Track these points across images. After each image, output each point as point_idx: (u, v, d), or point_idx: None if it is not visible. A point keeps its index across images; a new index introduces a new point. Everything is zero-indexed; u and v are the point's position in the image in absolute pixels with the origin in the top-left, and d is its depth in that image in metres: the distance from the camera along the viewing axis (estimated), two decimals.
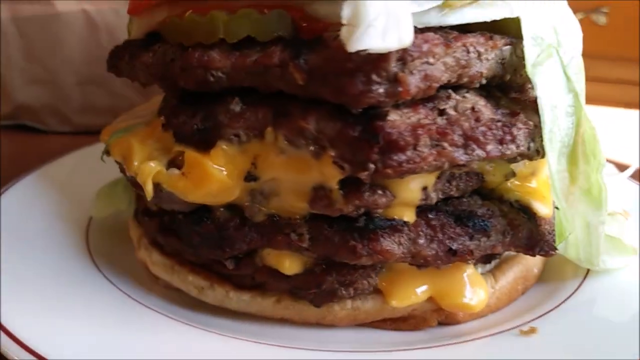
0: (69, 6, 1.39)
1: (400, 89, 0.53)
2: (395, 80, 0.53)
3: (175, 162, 0.65)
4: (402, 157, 0.55)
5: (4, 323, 0.59)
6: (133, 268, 0.76)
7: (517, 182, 0.71)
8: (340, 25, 0.57)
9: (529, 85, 0.66)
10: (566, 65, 0.63)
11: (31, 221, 0.84)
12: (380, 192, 0.60)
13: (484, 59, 0.60)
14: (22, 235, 0.79)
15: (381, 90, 0.53)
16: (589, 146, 0.64)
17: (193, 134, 0.62)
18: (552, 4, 0.65)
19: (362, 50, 0.53)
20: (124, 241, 0.81)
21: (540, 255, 0.69)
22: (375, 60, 0.52)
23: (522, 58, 0.63)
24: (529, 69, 0.62)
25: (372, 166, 0.55)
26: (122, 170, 0.76)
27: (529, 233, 0.67)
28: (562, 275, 0.79)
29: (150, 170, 0.63)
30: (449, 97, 0.60)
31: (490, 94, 0.65)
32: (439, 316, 0.70)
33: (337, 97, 0.55)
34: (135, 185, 0.67)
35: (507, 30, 0.63)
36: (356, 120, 0.56)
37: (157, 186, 0.63)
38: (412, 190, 0.61)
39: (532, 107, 0.63)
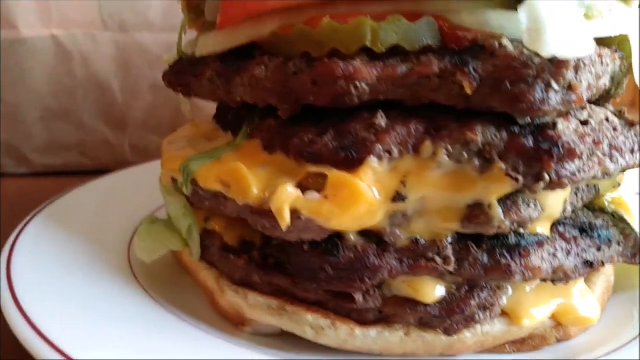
0: (36, 31, 1.23)
1: (574, 97, 0.52)
2: (569, 88, 0.52)
3: (304, 186, 0.57)
4: (573, 167, 0.54)
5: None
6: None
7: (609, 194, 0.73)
8: (488, 34, 0.56)
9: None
10: None
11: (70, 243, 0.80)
12: (532, 206, 0.58)
13: (609, 71, 0.62)
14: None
15: (558, 98, 0.52)
16: None
17: (333, 153, 0.56)
18: None
19: (539, 57, 0.52)
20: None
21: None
22: (556, 68, 0.51)
23: (625, 72, 0.65)
24: (637, 81, 0.64)
25: (547, 177, 0.53)
26: (198, 201, 0.67)
27: (634, 242, 0.69)
28: (631, 283, 0.82)
29: (287, 196, 0.55)
30: (583, 108, 0.60)
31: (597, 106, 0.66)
32: (557, 333, 0.69)
33: (510, 106, 0.53)
34: (258, 213, 0.58)
35: (609, 45, 0.66)
36: (524, 131, 0.54)
37: (293, 213, 0.56)
38: (557, 204, 0.60)
39: None
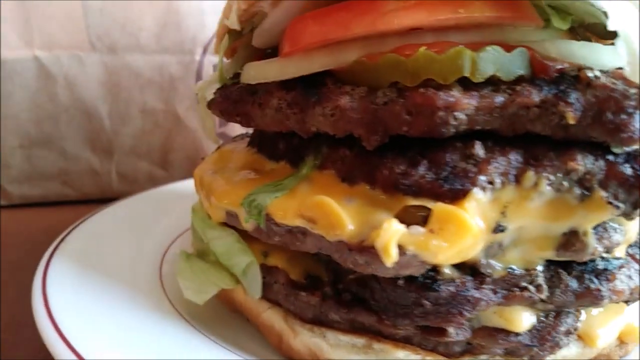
0: (16, 52, 1.14)
1: None
2: None
3: (400, 220, 0.55)
4: None
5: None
6: None
7: None
8: (574, 64, 0.57)
9: None
10: None
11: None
12: (619, 231, 0.59)
13: None
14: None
15: None
16: None
17: (435, 185, 0.54)
18: None
19: (632, 87, 0.53)
20: None
21: None
22: None
23: None
24: None
25: None
26: (265, 236, 0.64)
27: None
28: None
29: (394, 231, 0.53)
30: None
31: None
32: (620, 351, 0.70)
33: (611, 136, 0.53)
34: (357, 250, 0.55)
35: None
36: (619, 159, 0.55)
37: (399, 249, 0.53)
38: (635, 228, 0.62)
39: None
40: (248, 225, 0.66)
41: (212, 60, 1.28)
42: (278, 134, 0.71)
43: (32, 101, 1.17)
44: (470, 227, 0.54)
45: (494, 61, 0.54)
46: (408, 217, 0.56)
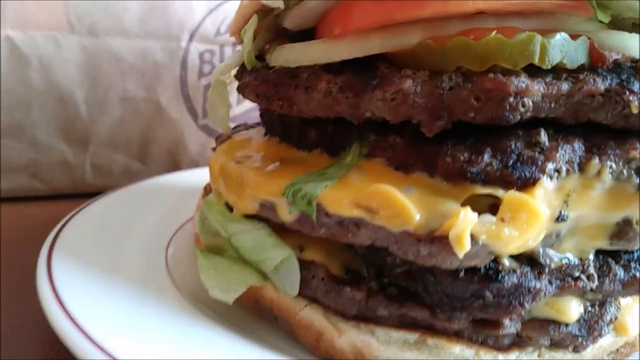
0: None
1: None
2: None
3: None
4: None
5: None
6: None
7: None
8: (627, 56, 0.58)
9: None
10: None
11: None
12: None
13: None
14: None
15: None
16: None
17: (504, 173, 0.53)
18: None
19: None
20: None
21: None
22: None
23: None
24: None
25: None
26: (309, 228, 0.60)
27: None
28: None
29: (468, 221, 0.51)
30: None
31: None
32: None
33: None
34: (427, 241, 0.53)
35: None
36: None
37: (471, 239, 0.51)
38: None
39: None
40: (289, 216, 0.62)
41: (198, 47, 1.22)
42: (306, 121, 0.67)
43: (1, 85, 1.06)
44: (540, 215, 0.53)
45: (561, 48, 0.54)
46: (473, 206, 0.54)
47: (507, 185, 0.53)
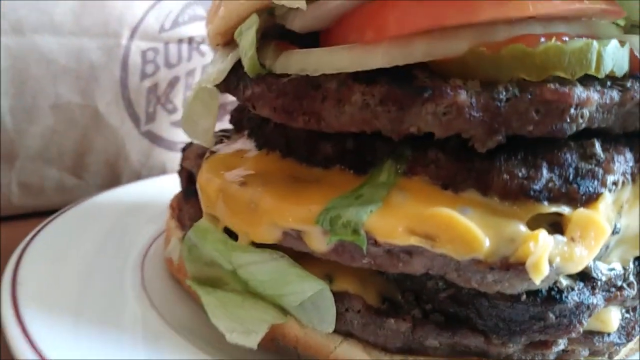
0: None
1: None
2: None
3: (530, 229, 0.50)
4: None
5: None
6: None
7: None
8: None
9: None
10: None
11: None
12: None
13: None
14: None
15: None
16: None
17: (569, 189, 0.50)
18: None
19: None
20: None
21: None
22: None
23: None
24: None
25: None
26: (349, 259, 0.54)
27: None
28: None
29: (545, 245, 0.47)
30: None
31: None
32: None
33: None
34: (500, 268, 0.48)
35: None
36: None
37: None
38: None
39: None
40: (323, 246, 0.54)
41: (140, 45, 1.08)
42: (316, 133, 0.60)
43: None
44: (606, 231, 0.51)
45: (612, 56, 0.52)
46: (533, 225, 0.51)
47: (572, 202, 0.50)
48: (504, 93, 0.50)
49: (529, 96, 0.50)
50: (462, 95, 0.50)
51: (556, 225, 0.51)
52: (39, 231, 0.82)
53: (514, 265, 0.48)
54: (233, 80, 0.66)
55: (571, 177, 0.51)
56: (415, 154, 0.56)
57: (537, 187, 0.50)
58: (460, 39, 0.51)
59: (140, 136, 1.16)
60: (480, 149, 0.52)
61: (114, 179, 1.16)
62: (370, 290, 0.58)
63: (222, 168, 0.68)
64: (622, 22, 0.60)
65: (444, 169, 0.54)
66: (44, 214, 1.09)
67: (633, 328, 0.61)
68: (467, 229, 0.49)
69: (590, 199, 0.51)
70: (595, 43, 0.50)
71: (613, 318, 0.59)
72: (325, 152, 0.61)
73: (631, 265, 0.58)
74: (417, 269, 0.53)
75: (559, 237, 0.49)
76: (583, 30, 0.55)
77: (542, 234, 0.48)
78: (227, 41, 0.70)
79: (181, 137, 1.19)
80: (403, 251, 0.52)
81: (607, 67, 0.51)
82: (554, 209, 0.50)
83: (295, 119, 0.55)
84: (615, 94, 0.52)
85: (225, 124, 0.85)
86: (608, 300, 0.57)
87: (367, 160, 0.59)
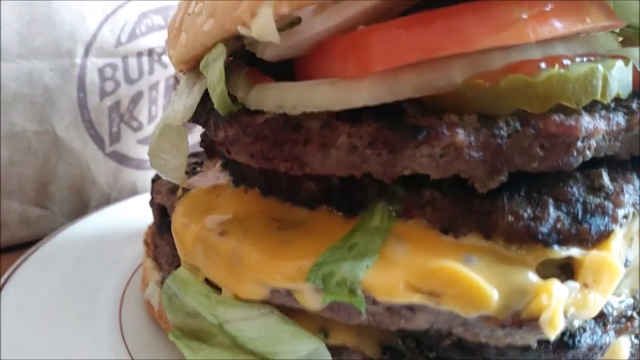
0: None
1: None
2: None
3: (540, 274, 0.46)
4: None
5: None
6: None
7: None
8: None
9: None
10: None
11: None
12: None
13: None
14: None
15: None
16: None
17: (580, 230, 0.46)
18: None
19: None
20: None
21: None
22: None
23: None
24: None
25: None
26: (345, 316, 0.49)
27: None
28: None
29: (560, 297, 0.43)
30: None
31: None
32: None
33: None
34: (511, 325, 0.44)
35: None
36: None
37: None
38: None
39: None
40: (316, 304, 0.50)
41: (97, 62, 1.00)
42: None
43: None
44: (619, 271, 0.47)
45: (618, 79, 0.47)
46: (543, 271, 0.47)
47: (583, 242, 0.46)
48: (505, 128, 0.45)
49: (532, 130, 0.45)
50: (460, 135, 0.45)
51: (566, 267, 0.47)
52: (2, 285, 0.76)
53: (527, 321, 0.44)
54: (202, 113, 0.60)
55: (580, 214, 0.47)
56: (409, 194, 0.51)
57: (545, 229, 0.46)
58: (454, 71, 0.46)
59: (105, 158, 1.09)
60: (481, 189, 0.47)
61: (82, 205, 1.09)
62: (369, 342, 0.54)
63: (198, 210, 0.62)
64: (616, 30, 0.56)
65: (442, 211, 0.49)
66: (7, 250, 1.04)
67: None
68: (474, 284, 0.44)
69: (602, 238, 0.47)
70: (600, 67, 0.46)
71: (623, 347, 0.56)
72: (309, 190, 0.56)
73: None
74: (420, 325, 0.48)
75: (571, 284, 0.46)
76: (582, 48, 0.50)
77: (556, 285, 0.44)
78: (192, 67, 0.64)
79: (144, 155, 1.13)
80: (405, 307, 0.47)
81: (613, 91, 0.47)
82: (564, 252, 0.46)
83: (276, 166, 0.50)
84: (621, 119, 0.48)
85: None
86: (619, 332, 0.54)
87: (354, 199, 0.54)
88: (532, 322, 0.44)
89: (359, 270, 0.47)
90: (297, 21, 0.51)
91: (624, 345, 0.56)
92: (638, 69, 0.51)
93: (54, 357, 0.63)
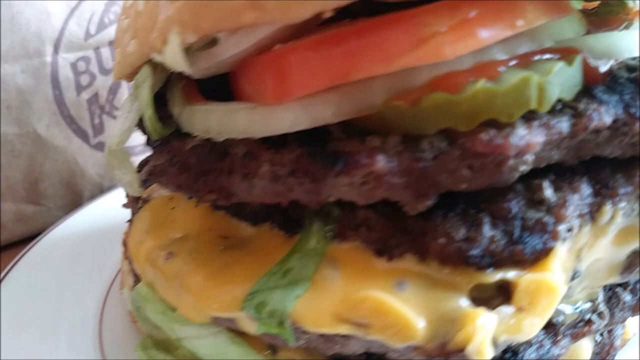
0: None
1: None
2: None
3: (473, 298, 0.44)
4: None
5: None
6: None
7: None
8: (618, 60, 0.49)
9: None
10: None
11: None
12: None
13: None
14: None
15: None
16: None
17: (513, 251, 0.43)
18: None
19: None
20: None
21: None
22: None
23: None
24: None
25: None
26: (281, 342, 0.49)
27: None
28: None
29: (487, 329, 0.41)
30: None
31: None
32: None
33: None
34: (439, 355, 0.43)
35: None
36: None
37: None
38: None
39: None
40: (255, 330, 0.50)
41: (68, 58, 0.99)
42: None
43: None
44: (559, 291, 0.45)
45: (560, 82, 0.43)
46: (479, 293, 0.45)
47: (518, 264, 0.44)
48: (430, 150, 0.42)
49: (459, 151, 0.42)
50: (380, 162, 0.42)
51: (504, 287, 0.45)
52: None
53: (454, 353, 0.42)
54: (143, 131, 0.59)
55: (517, 232, 0.44)
56: (344, 214, 0.49)
57: (476, 252, 0.44)
58: (374, 92, 0.43)
59: (92, 150, 1.09)
60: (411, 212, 0.45)
61: (76, 197, 1.11)
62: (317, 357, 0.54)
63: (153, 227, 0.62)
64: (578, 5, 0.50)
65: (376, 232, 0.47)
66: (7, 247, 1.08)
67: (608, 352, 0.56)
68: (400, 315, 0.43)
69: (540, 257, 0.44)
70: (534, 76, 0.41)
71: (585, 348, 0.54)
72: (252, 207, 0.55)
73: (600, 296, 0.53)
74: (354, 350, 0.48)
75: (505, 309, 0.44)
76: (525, 45, 0.46)
77: (483, 315, 0.42)
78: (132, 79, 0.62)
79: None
80: (339, 336, 0.47)
81: (553, 97, 0.43)
82: (498, 276, 0.44)
83: (203, 197, 0.49)
84: (564, 125, 0.44)
85: None
86: (575, 337, 0.52)
87: (293, 217, 0.52)
88: (458, 353, 0.42)
89: (288, 302, 0.46)
90: (216, 41, 0.48)
91: (585, 345, 0.55)
92: (590, 61, 0.47)
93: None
